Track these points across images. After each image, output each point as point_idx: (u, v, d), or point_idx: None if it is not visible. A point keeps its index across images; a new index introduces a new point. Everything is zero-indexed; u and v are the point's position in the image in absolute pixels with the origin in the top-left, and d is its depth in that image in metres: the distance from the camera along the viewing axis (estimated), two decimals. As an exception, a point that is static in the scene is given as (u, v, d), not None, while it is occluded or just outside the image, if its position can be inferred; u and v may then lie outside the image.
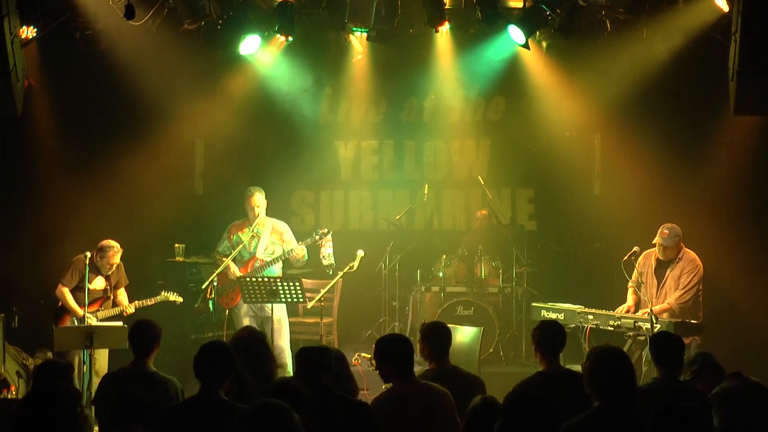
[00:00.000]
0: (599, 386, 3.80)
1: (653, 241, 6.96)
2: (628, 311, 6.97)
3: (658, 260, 7.02)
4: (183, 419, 3.93)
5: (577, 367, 5.75)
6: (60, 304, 7.39)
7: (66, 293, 7.34)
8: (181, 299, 7.76)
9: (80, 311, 7.26)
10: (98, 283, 7.36)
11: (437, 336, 4.84)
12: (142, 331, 4.95)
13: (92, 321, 7.18)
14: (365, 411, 4.04)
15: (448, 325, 7.41)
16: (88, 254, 7.17)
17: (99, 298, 7.39)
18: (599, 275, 9.09)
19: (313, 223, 10.12)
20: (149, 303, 7.55)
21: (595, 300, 7.66)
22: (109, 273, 7.43)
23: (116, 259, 7.40)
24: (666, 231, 6.93)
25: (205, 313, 8.28)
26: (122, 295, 7.56)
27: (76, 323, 7.24)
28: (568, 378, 4.61)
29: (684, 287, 6.84)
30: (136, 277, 7.69)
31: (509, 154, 10.14)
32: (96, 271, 7.34)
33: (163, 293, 7.60)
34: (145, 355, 4.89)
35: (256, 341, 4.91)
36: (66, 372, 4.52)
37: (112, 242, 7.41)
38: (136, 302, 7.49)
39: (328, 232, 7.56)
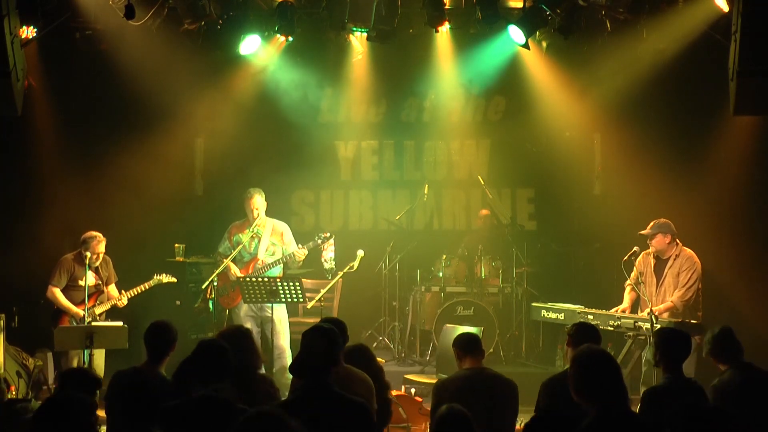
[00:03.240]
0: (589, 393, 3.63)
1: (639, 232, 7.01)
2: (623, 312, 6.98)
3: (656, 258, 7.04)
4: (184, 419, 3.90)
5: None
6: (55, 306, 7.40)
7: (57, 293, 7.35)
8: (174, 279, 7.77)
9: (74, 308, 7.29)
10: (89, 279, 7.34)
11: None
12: (159, 333, 4.86)
13: (89, 318, 7.18)
14: (364, 411, 3.99)
15: (448, 325, 7.50)
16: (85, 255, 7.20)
17: (92, 293, 7.38)
18: (599, 275, 9.09)
19: (313, 223, 10.13)
20: (142, 289, 7.54)
21: (595, 300, 7.67)
22: (97, 264, 7.43)
23: (101, 248, 7.39)
24: (651, 223, 7.02)
25: (205, 313, 8.27)
26: (113, 291, 7.58)
27: (75, 323, 7.25)
28: None
29: (684, 285, 6.86)
30: (136, 277, 7.68)
31: (509, 154, 10.14)
32: (85, 266, 7.32)
33: (155, 276, 7.60)
34: (159, 359, 4.83)
35: (243, 337, 4.90)
36: (93, 384, 4.39)
37: (94, 232, 7.42)
38: (124, 292, 7.48)
39: (331, 236, 7.57)
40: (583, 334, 4.83)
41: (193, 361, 4.07)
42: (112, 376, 5.06)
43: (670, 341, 4.65)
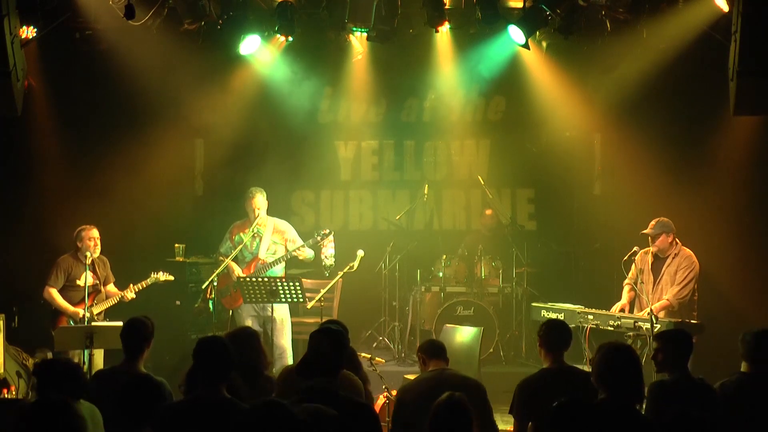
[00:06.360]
0: (606, 379, 3.93)
1: (641, 232, 7.00)
2: (622, 310, 7.00)
3: (654, 256, 7.07)
4: (186, 418, 3.90)
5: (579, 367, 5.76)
6: (53, 306, 7.39)
7: (54, 294, 7.34)
8: (172, 278, 7.76)
9: (72, 308, 7.29)
10: (87, 279, 7.32)
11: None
12: (132, 331, 4.85)
13: (87, 315, 7.17)
14: (368, 413, 3.99)
15: (448, 325, 7.50)
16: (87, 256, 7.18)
17: (89, 293, 7.35)
18: (599, 275, 9.10)
19: (313, 223, 10.12)
20: (143, 286, 7.53)
21: (595, 300, 7.67)
22: (96, 255, 7.40)
23: (94, 234, 7.39)
24: (653, 222, 7.03)
25: (205, 313, 8.27)
26: (112, 289, 7.58)
27: (72, 323, 7.24)
28: (571, 375, 4.67)
29: (680, 283, 6.90)
30: (136, 278, 7.68)
31: (509, 154, 10.14)
32: (82, 265, 7.28)
33: (152, 275, 7.59)
34: (135, 357, 4.81)
35: (250, 338, 4.91)
36: (74, 373, 4.13)
37: (83, 225, 7.44)
38: (132, 285, 7.47)
39: (330, 233, 7.57)
40: (554, 333, 4.77)
41: (196, 361, 4.06)
42: (92, 377, 5.08)
43: (672, 341, 4.66)
